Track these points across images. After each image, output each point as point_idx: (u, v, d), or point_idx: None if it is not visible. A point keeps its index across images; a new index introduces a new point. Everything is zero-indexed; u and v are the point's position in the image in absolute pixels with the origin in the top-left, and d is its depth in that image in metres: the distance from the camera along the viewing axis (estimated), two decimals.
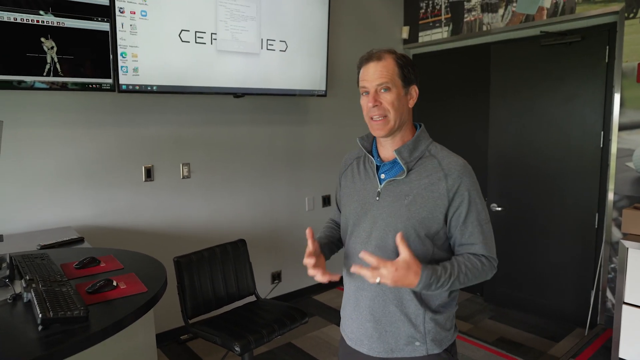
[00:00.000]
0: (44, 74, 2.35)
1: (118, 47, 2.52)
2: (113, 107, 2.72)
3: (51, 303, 1.25)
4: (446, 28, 3.90)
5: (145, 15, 2.59)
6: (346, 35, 3.83)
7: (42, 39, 2.32)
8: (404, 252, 1.11)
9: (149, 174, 2.89)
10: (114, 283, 1.51)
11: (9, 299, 1.39)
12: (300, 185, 3.72)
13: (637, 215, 2.50)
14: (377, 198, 1.28)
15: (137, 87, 2.63)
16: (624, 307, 2.46)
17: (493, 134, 3.59)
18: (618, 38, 2.92)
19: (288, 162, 3.62)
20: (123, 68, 2.56)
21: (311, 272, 1.26)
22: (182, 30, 2.73)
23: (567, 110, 3.20)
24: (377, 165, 1.32)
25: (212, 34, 2.86)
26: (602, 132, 3.06)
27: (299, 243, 3.67)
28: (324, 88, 3.50)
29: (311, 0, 3.29)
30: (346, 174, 1.42)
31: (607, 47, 3.00)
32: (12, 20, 2.22)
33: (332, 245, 1.45)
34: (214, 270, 2.42)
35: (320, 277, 1.25)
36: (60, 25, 2.36)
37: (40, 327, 1.18)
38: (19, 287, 1.47)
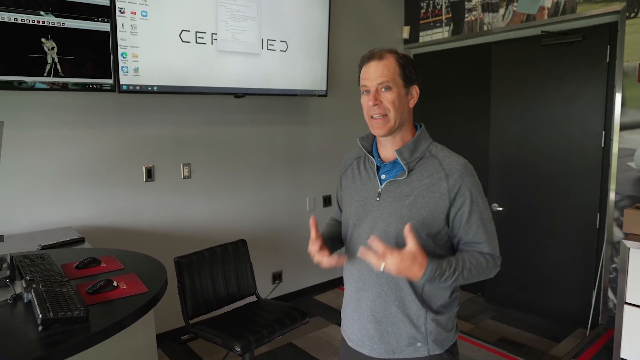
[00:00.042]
0: (45, 74, 2.35)
1: (118, 47, 2.52)
2: (113, 108, 2.72)
3: (51, 303, 1.25)
4: (447, 28, 3.90)
5: (146, 16, 2.59)
6: (347, 35, 3.83)
7: (43, 40, 2.32)
8: (411, 243, 1.11)
9: (149, 174, 2.89)
10: (115, 283, 1.51)
11: (10, 299, 1.39)
12: (301, 185, 3.72)
13: (639, 215, 2.49)
14: (378, 199, 1.28)
15: (138, 88, 2.63)
16: (626, 307, 2.46)
17: (494, 133, 3.58)
18: (619, 38, 2.91)
19: (289, 162, 3.61)
20: (123, 68, 2.56)
21: (317, 257, 1.26)
22: (182, 30, 2.73)
23: (568, 110, 3.20)
24: (377, 165, 1.31)
25: (212, 34, 2.86)
26: (603, 132, 3.05)
27: (299, 243, 3.67)
28: (324, 88, 3.50)
29: (312, 0, 3.29)
30: (346, 174, 1.42)
31: (608, 46, 2.99)
32: (12, 20, 2.22)
33: (334, 241, 1.44)
34: (214, 270, 2.42)
35: (326, 261, 1.25)
36: (61, 26, 2.36)
37: (40, 328, 1.18)
38: (19, 287, 1.47)
